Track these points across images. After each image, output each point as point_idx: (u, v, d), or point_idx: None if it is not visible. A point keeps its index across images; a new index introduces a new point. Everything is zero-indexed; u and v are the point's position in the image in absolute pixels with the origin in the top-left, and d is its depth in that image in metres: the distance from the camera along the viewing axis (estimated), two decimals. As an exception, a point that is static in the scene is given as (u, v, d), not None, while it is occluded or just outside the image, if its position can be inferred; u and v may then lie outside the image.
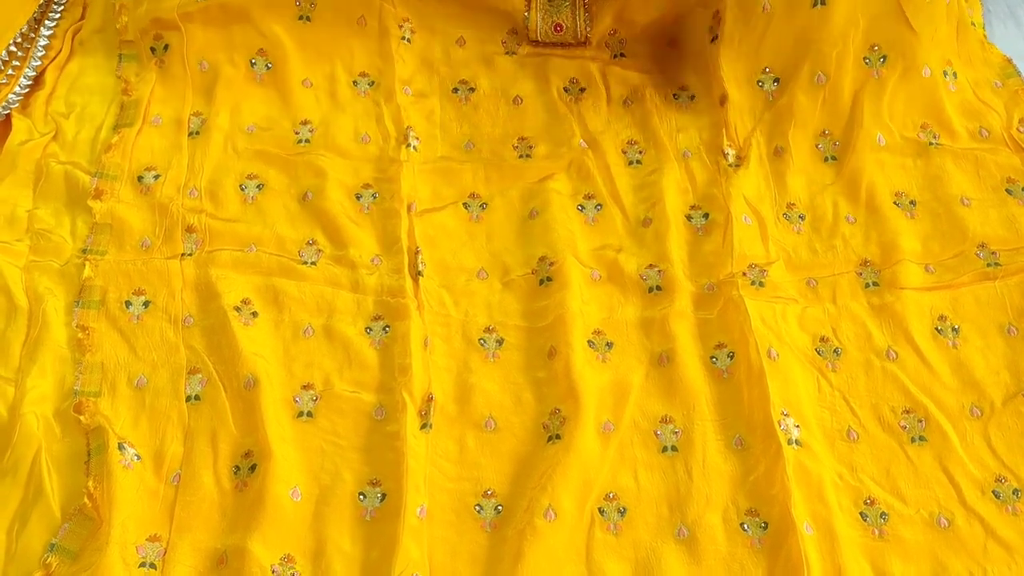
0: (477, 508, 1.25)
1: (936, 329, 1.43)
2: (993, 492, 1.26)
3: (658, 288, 1.47)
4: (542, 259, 1.49)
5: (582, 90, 1.73)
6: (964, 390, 1.36)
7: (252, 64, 1.71)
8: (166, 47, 1.70)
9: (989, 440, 1.32)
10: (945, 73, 1.71)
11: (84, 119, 1.66)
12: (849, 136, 1.64)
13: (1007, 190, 1.59)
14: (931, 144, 1.65)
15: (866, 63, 1.66)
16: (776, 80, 1.69)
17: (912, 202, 1.58)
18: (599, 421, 1.31)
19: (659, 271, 1.48)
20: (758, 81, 1.70)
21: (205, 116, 1.65)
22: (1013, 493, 1.26)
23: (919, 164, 1.63)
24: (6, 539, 1.20)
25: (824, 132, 1.65)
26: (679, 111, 1.71)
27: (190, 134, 1.63)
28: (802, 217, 1.56)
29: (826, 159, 1.63)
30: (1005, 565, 1.20)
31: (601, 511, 1.24)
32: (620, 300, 1.46)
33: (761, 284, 1.46)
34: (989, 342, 1.42)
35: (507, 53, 1.77)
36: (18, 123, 1.63)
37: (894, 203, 1.57)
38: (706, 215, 1.57)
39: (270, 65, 1.71)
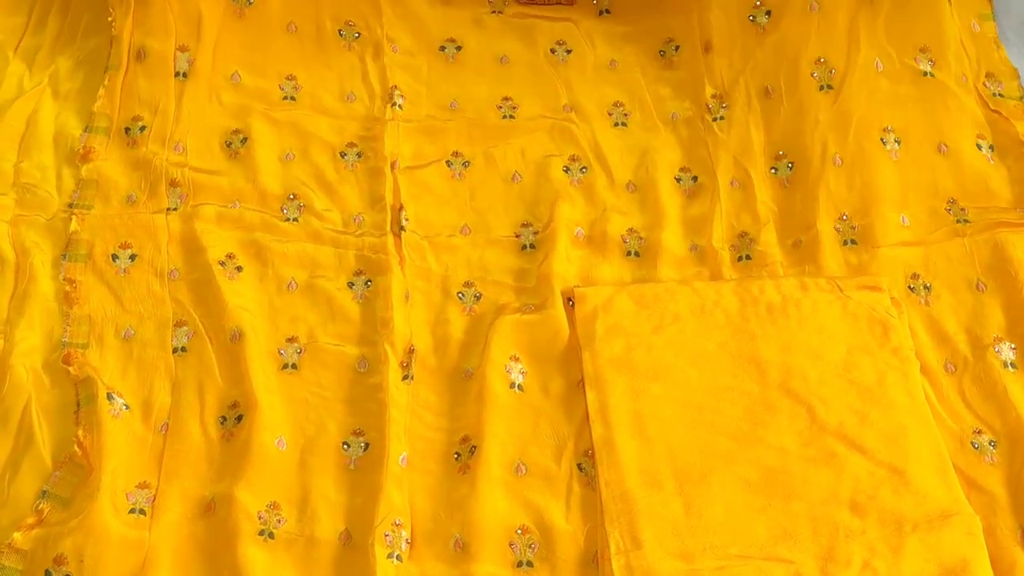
0: (455, 455, 1.29)
1: (908, 287, 1.46)
2: (971, 444, 1.30)
3: (636, 254, 1.50)
4: (525, 224, 1.52)
5: (568, 52, 1.74)
6: (937, 346, 1.40)
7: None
8: None
9: (964, 394, 1.35)
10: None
11: (76, 55, 1.64)
12: (847, 62, 1.64)
13: (977, 145, 1.60)
14: (926, 74, 1.64)
15: None
16: (768, 12, 1.70)
17: (897, 140, 1.58)
18: (572, 379, 1.35)
19: (640, 238, 1.51)
20: (750, 16, 1.70)
21: (192, 55, 1.62)
22: (990, 444, 1.30)
23: (912, 96, 1.62)
24: (-2, 487, 1.23)
25: (819, 60, 1.65)
26: (665, 68, 1.72)
27: (177, 74, 1.61)
28: (790, 167, 1.57)
29: (821, 87, 1.63)
30: (990, 513, 1.24)
31: (579, 466, 1.28)
32: (598, 260, 1.49)
33: (749, 257, 1.49)
34: (960, 298, 1.45)
35: (494, 12, 1.78)
36: (13, 69, 1.61)
37: (880, 140, 1.57)
38: (695, 178, 1.59)
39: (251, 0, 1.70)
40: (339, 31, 1.72)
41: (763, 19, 1.70)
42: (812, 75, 1.64)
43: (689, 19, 1.73)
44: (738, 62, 1.68)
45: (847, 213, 1.52)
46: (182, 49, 1.63)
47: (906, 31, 1.67)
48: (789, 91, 1.63)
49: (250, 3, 1.70)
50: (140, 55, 1.62)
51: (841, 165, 1.56)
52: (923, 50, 1.66)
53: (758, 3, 1.70)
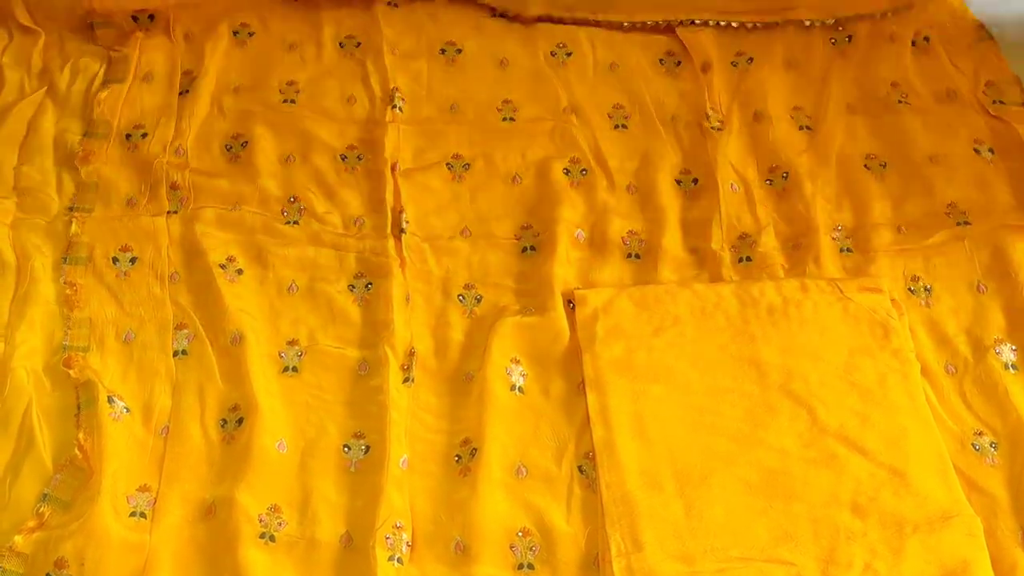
0: (456, 458, 1.29)
1: (909, 289, 1.46)
2: (972, 446, 1.31)
3: (636, 256, 1.50)
4: (525, 227, 1.52)
5: (569, 54, 1.74)
6: (938, 348, 1.40)
7: (235, 34, 1.73)
8: (151, 17, 1.72)
9: (964, 396, 1.36)
10: (914, 42, 1.76)
11: (78, 69, 1.66)
12: (820, 111, 1.67)
13: (975, 149, 1.62)
14: (900, 102, 1.69)
15: (832, 43, 1.73)
16: (750, 59, 1.74)
17: (883, 164, 1.61)
18: (573, 381, 1.35)
19: (641, 240, 1.51)
20: (732, 62, 1.74)
21: (195, 75, 1.66)
22: (991, 446, 1.31)
23: (888, 121, 1.66)
24: (-1, 489, 1.23)
25: (796, 107, 1.69)
26: (665, 75, 1.73)
27: (180, 93, 1.64)
28: (785, 176, 1.58)
29: (800, 128, 1.66)
30: (991, 514, 1.24)
31: (580, 468, 1.28)
32: (598, 263, 1.49)
33: (749, 259, 1.49)
34: (960, 300, 1.45)
35: (494, 15, 1.78)
36: (11, 75, 1.63)
37: (864, 166, 1.61)
38: (695, 180, 1.59)
39: (252, 33, 1.74)
40: (339, 43, 1.73)
41: (745, 64, 1.73)
42: (791, 117, 1.67)
43: (682, 43, 1.76)
44: (727, 89, 1.71)
45: (842, 224, 1.53)
46: (187, 74, 1.67)
47: (876, 70, 1.73)
48: (775, 121, 1.66)
49: (251, 35, 1.73)
50: (147, 77, 1.66)
51: (830, 183, 1.58)
52: (893, 85, 1.71)
53: (739, 52, 1.74)
